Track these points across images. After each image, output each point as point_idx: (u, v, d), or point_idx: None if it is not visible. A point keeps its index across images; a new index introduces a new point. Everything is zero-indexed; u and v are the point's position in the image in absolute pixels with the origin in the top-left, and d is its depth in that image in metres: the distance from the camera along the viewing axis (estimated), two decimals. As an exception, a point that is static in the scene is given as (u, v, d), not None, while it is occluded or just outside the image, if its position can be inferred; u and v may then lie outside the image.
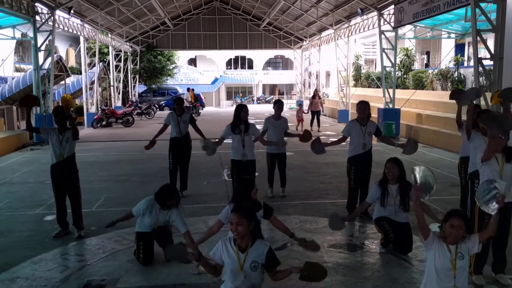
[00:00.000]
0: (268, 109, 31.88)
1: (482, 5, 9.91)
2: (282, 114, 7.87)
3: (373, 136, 6.57)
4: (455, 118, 5.98)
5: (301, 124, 17.72)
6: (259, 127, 7.72)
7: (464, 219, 3.26)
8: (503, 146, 4.18)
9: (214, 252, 3.40)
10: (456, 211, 3.32)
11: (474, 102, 5.26)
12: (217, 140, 7.03)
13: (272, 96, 46.49)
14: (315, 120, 18.10)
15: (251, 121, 7.11)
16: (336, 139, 6.97)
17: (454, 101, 5.75)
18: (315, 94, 18.62)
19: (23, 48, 27.87)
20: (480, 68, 10.20)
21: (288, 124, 7.87)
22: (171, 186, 5.25)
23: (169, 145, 7.92)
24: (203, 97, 33.19)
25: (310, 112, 18.33)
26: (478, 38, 9.93)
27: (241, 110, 6.81)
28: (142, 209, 4.93)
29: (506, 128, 4.20)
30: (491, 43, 10.14)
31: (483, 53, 11.26)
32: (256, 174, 7.17)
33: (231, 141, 6.97)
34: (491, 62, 9.91)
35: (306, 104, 28.46)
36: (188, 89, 27.01)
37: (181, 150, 7.88)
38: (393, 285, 4.44)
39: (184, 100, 23.31)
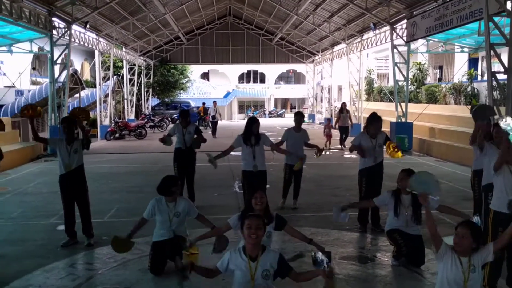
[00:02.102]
0: (279, 122, 31.95)
1: (496, 19, 9.89)
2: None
3: (384, 147, 6.58)
4: (471, 136, 5.89)
5: (329, 141, 16.49)
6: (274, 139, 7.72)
7: (470, 228, 3.22)
8: None
9: (221, 263, 3.38)
10: (464, 221, 3.30)
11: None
12: (221, 151, 7.06)
13: (283, 110, 46.60)
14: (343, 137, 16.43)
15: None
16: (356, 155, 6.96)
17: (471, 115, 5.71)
18: (343, 108, 16.85)
19: (39, 61, 28.38)
20: (494, 82, 10.13)
21: (309, 135, 7.90)
22: (172, 175, 5.40)
23: (173, 155, 8.01)
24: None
25: (338, 128, 16.66)
26: (492, 52, 9.88)
27: (252, 125, 6.83)
28: (150, 208, 5.02)
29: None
30: (505, 57, 10.08)
31: (496, 67, 11.21)
32: (267, 186, 7.17)
33: (241, 153, 7.00)
34: (505, 76, 9.83)
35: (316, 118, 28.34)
36: (214, 102, 23.51)
37: (184, 161, 7.94)
38: (405, 298, 4.39)
39: (209, 114, 22.72)
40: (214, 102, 23.19)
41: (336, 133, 17.19)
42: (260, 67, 45.99)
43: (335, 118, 17.26)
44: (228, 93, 46.09)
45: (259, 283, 3.25)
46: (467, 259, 3.24)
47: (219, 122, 22.78)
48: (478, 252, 3.28)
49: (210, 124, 25.97)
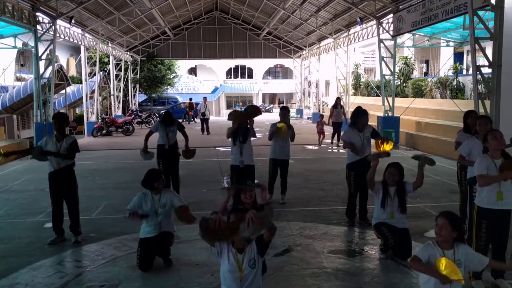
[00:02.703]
0: (267, 118, 31.93)
1: (480, 13, 9.99)
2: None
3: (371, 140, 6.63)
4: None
5: (322, 137, 16.21)
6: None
7: (448, 218, 3.24)
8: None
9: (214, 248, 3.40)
10: (443, 212, 3.31)
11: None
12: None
13: (272, 105, 46.63)
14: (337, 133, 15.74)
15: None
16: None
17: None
18: (337, 103, 16.09)
19: (24, 57, 28.00)
20: (479, 76, 10.23)
21: (295, 131, 7.90)
22: (156, 169, 5.42)
23: (156, 151, 7.99)
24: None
25: (331, 124, 16.08)
26: (477, 46, 9.98)
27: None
28: (135, 201, 5.08)
29: None
30: (489, 51, 10.18)
31: (481, 61, 11.34)
32: (256, 181, 7.18)
33: (230, 148, 7.03)
34: (490, 70, 9.94)
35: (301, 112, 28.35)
36: (204, 98, 22.92)
37: (168, 158, 7.93)
38: (392, 290, 4.44)
39: (198, 110, 22.59)
40: (204, 98, 22.56)
41: (328, 129, 16.75)
42: (247, 62, 45.90)
43: (329, 113, 16.46)
44: (216, 89, 45.98)
45: (247, 273, 3.30)
46: (452, 252, 3.25)
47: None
48: (465, 249, 3.30)
49: (194, 120, 25.76)
